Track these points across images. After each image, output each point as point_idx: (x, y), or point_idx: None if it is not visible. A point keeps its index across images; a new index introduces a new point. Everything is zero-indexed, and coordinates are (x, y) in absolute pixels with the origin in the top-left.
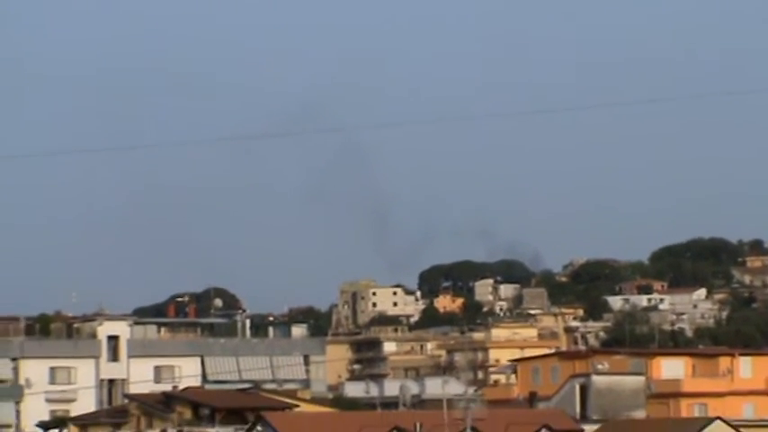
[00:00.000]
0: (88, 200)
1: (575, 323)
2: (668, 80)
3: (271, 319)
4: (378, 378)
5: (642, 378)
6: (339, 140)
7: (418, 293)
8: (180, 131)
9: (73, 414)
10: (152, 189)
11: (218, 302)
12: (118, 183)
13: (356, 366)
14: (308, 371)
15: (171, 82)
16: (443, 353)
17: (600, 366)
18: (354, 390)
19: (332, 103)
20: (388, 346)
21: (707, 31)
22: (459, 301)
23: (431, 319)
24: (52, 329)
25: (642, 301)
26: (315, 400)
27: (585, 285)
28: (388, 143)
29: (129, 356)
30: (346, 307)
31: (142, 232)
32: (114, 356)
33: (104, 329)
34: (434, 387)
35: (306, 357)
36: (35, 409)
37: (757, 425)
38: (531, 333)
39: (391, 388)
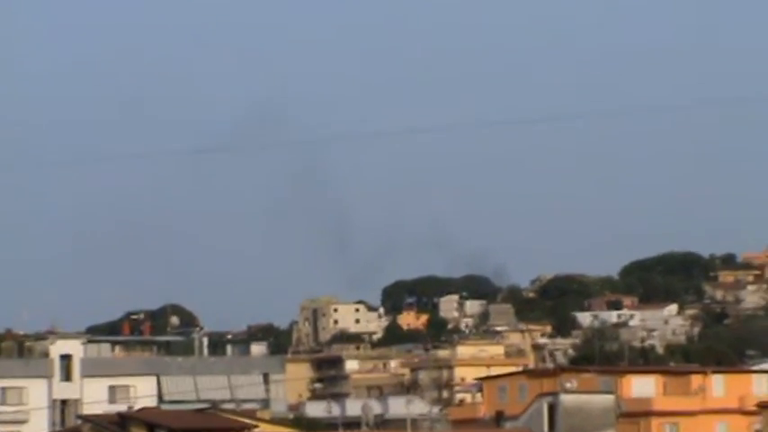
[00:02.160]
0: (38, 215)
1: (542, 340)
2: (640, 89)
3: (229, 337)
4: (340, 397)
5: (612, 397)
6: (293, 153)
7: (381, 310)
8: (134, 144)
9: None
10: (105, 203)
11: (175, 320)
12: (70, 197)
13: (317, 385)
14: (267, 390)
15: (123, 97)
16: (407, 371)
17: (568, 385)
18: (315, 409)
19: (288, 117)
20: (351, 365)
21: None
22: (424, 317)
23: (394, 336)
24: (2, 348)
25: (612, 317)
26: (275, 421)
27: (553, 301)
28: (347, 157)
29: (83, 376)
30: (307, 324)
31: (95, 248)
32: (67, 376)
33: (57, 348)
34: (398, 406)
35: (265, 376)
36: None
37: None
38: (498, 350)
39: (354, 407)
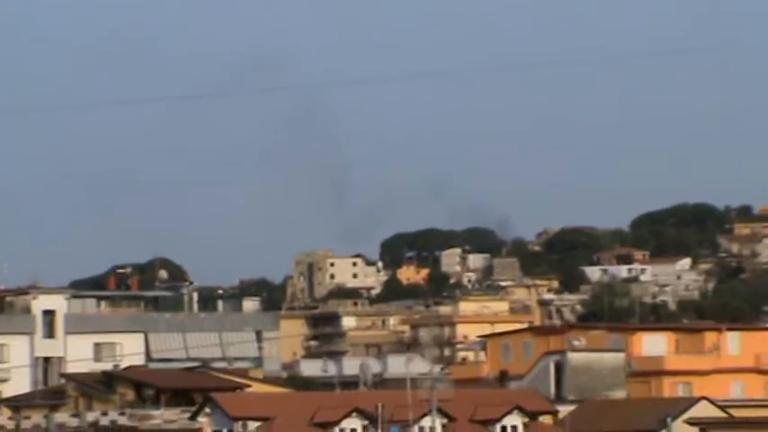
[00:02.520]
0: (18, 165)
1: (549, 296)
2: (646, 32)
3: (220, 291)
4: (336, 355)
5: (622, 355)
6: (290, 100)
7: (379, 264)
8: (120, 92)
9: (5, 395)
10: (90, 153)
11: (163, 274)
12: (52, 147)
13: (312, 343)
14: (260, 348)
15: (109, 43)
16: (407, 328)
17: (576, 342)
18: (311, 368)
19: (282, 61)
20: (347, 321)
21: None
22: (424, 272)
23: (393, 291)
24: None
25: (622, 271)
26: (268, 380)
27: (560, 255)
28: (342, 103)
29: (67, 333)
30: (302, 279)
31: (79, 199)
32: (50, 333)
33: (39, 303)
34: (397, 365)
35: (258, 333)
36: None
37: (746, 405)
38: (502, 307)
39: (351, 366)
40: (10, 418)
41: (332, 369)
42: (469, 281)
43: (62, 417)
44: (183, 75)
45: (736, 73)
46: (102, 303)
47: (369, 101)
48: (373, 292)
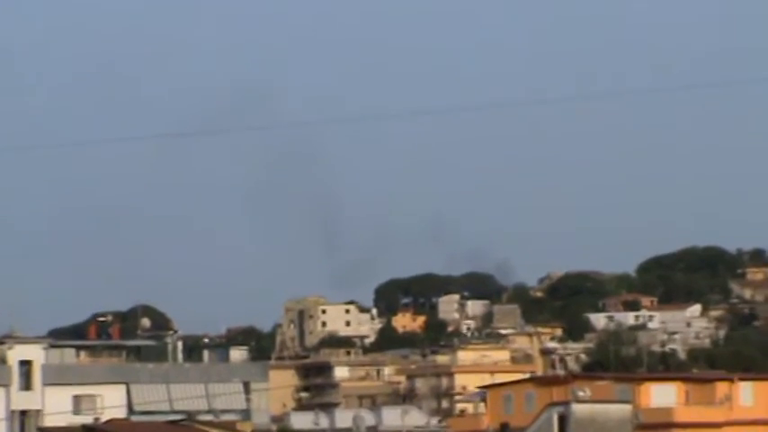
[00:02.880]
0: None
1: (552, 344)
2: (655, 69)
3: (206, 341)
4: (328, 408)
5: (629, 407)
6: (279, 138)
7: (374, 311)
8: (100, 130)
9: None
10: (68, 194)
11: (146, 322)
12: (31, 186)
13: (303, 394)
14: (248, 400)
15: (90, 79)
16: (403, 378)
17: (581, 393)
18: (302, 421)
19: (270, 98)
20: (340, 372)
21: (700, 25)
22: (421, 319)
23: (388, 340)
24: None
25: (629, 318)
26: None
27: (564, 301)
28: (334, 141)
29: (45, 384)
30: (292, 327)
31: (58, 243)
32: (27, 384)
33: (15, 354)
34: (393, 418)
35: (246, 384)
36: None
37: None
38: (503, 356)
39: (344, 419)
40: None
41: (324, 422)
42: (468, 328)
43: None
44: (167, 112)
45: (749, 110)
46: (82, 353)
47: (362, 139)
48: (367, 341)
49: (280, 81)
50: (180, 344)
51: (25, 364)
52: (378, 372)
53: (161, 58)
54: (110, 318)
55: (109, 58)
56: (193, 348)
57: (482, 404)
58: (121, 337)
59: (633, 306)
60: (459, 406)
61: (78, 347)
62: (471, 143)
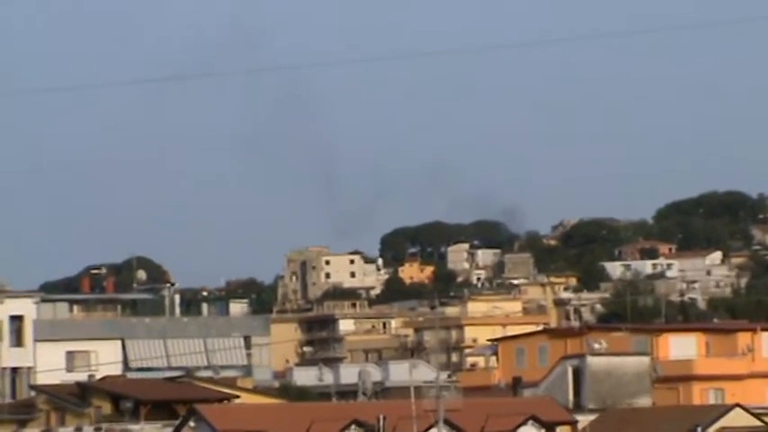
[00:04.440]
0: None
1: (566, 294)
2: (674, 6)
3: (205, 294)
4: (333, 362)
5: (646, 359)
6: (275, 83)
7: (380, 262)
8: (91, 76)
9: None
10: (62, 140)
11: (142, 275)
12: (21, 132)
13: (307, 349)
14: (249, 355)
15: (79, 19)
16: (410, 332)
17: (596, 346)
18: (305, 377)
19: (266, 40)
20: (345, 325)
21: None
22: (429, 269)
23: (395, 291)
24: None
25: (646, 267)
26: (258, 390)
27: (579, 249)
28: (331, 85)
29: (36, 340)
30: (294, 279)
31: (50, 193)
32: (18, 340)
33: (6, 309)
34: (400, 372)
35: (247, 339)
36: None
37: None
38: (515, 307)
39: (349, 374)
40: None
41: (328, 377)
42: (479, 279)
43: None
44: (158, 56)
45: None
46: (75, 308)
47: (360, 82)
48: (373, 293)
49: (274, 23)
50: (177, 297)
51: (16, 320)
52: (384, 325)
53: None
54: (104, 270)
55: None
56: (191, 302)
57: (493, 358)
58: (116, 290)
59: (651, 254)
60: (470, 360)
61: (71, 301)
62: (476, 85)
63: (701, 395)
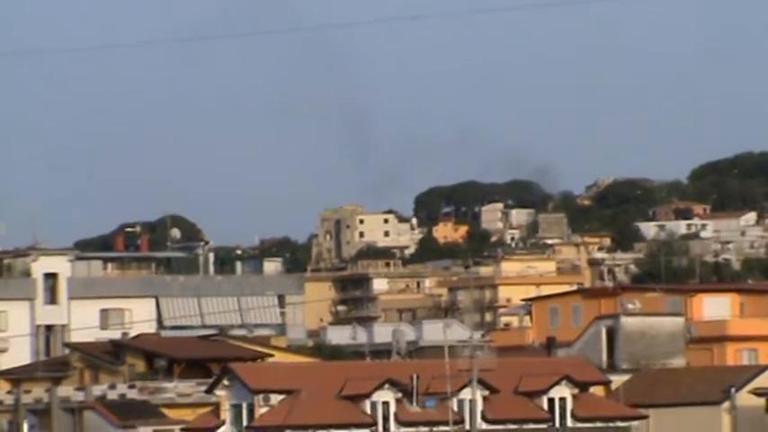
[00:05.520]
0: (15, 114)
1: (600, 254)
2: None
3: (238, 252)
4: (367, 321)
5: (681, 319)
6: (304, 42)
7: (414, 221)
8: (121, 34)
9: (4, 367)
10: (94, 100)
11: (176, 233)
12: (54, 92)
13: (341, 308)
14: (283, 314)
15: None
16: (444, 291)
17: (630, 306)
18: (339, 335)
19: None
20: (379, 284)
21: None
22: (463, 229)
23: (429, 251)
24: None
25: (680, 227)
26: (292, 349)
27: (613, 210)
28: (361, 44)
29: (70, 298)
30: (328, 238)
31: (83, 151)
32: (52, 298)
33: (40, 266)
34: (434, 332)
35: (281, 298)
36: None
37: None
38: (549, 267)
39: (383, 333)
40: (9, 392)
41: (362, 336)
42: (512, 239)
43: (66, 390)
44: (191, 16)
45: None
46: (110, 266)
47: (392, 42)
48: (407, 252)
49: None
50: (211, 255)
51: (50, 277)
52: (418, 284)
53: None
54: (138, 228)
55: None
56: (225, 260)
57: (527, 317)
58: (150, 248)
59: (685, 214)
60: (504, 319)
61: (105, 259)
62: (507, 43)
63: (735, 356)
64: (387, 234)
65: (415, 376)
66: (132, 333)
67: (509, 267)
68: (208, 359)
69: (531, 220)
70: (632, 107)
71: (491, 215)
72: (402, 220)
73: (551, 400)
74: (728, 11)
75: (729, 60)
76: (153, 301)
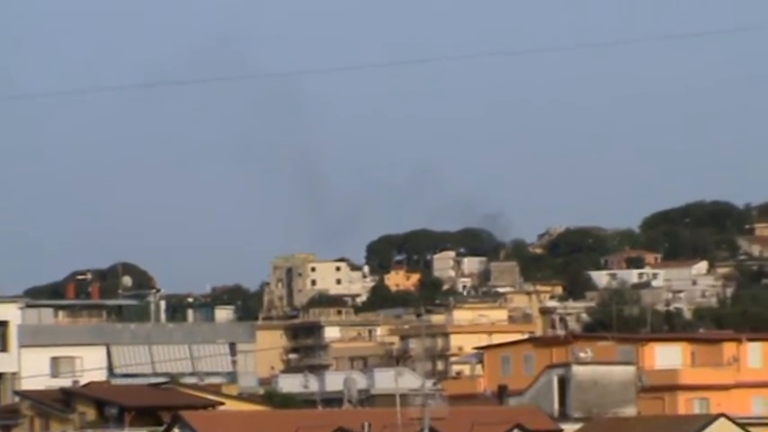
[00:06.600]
0: None
1: (552, 303)
2: (652, 17)
3: (190, 300)
4: (318, 370)
5: (632, 368)
6: (259, 90)
7: (365, 269)
8: (75, 81)
9: None
10: (47, 146)
11: (127, 280)
12: (7, 139)
13: (292, 356)
14: (234, 362)
15: (64, 24)
16: (396, 339)
17: (582, 355)
18: (290, 384)
19: (250, 47)
20: (331, 332)
21: None
22: (415, 277)
23: (381, 299)
24: None
25: (632, 276)
26: (243, 397)
27: (565, 258)
28: (315, 92)
29: (21, 346)
30: (280, 285)
31: (33, 199)
32: (3, 346)
33: None
34: (386, 380)
35: (232, 346)
36: None
37: None
38: (501, 315)
39: (334, 382)
40: None
41: (313, 385)
42: (464, 287)
43: None
44: (141, 62)
45: (755, 58)
46: (60, 313)
47: (345, 90)
48: (359, 300)
49: (260, 30)
50: (163, 303)
51: (1, 325)
52: (370, 332)
53: (136, 6)
54: (89, 276)
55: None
56: (177, 308)
57: (479, 366)
58: (101, 296)
59: (637, 263)
60: (455, 368)
61: (56, 307)
62: (459, 92)
63: (687, 405)
64: (339, 282)
65: (366, 425)
66: (83, 381)
67: (461, 316)
68: (158, 407)
69: (483, 269)
70: (584, 156)
71: (443, 263)
72: (354, 268)
73: None
74: (675, 62)
75: (680, 110)
76: (104, 348)
